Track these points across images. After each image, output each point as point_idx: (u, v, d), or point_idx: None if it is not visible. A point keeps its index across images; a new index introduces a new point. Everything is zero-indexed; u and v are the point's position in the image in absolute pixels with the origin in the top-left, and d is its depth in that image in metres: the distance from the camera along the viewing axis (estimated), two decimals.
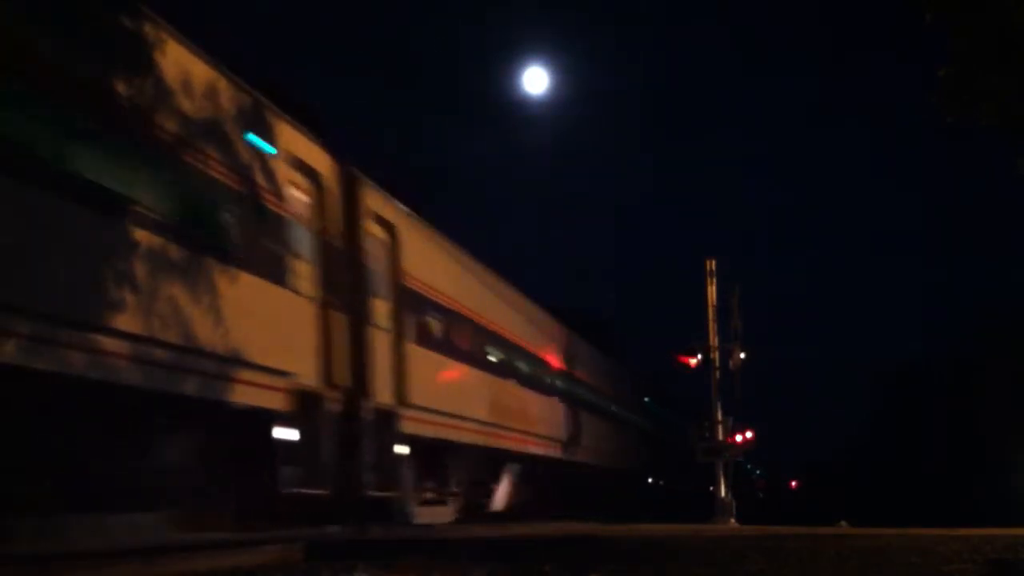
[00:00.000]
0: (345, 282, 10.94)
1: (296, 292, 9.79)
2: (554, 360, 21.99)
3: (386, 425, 11.61)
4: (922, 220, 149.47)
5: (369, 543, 7.30)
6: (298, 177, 10.24)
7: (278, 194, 9.60)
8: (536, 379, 19.96)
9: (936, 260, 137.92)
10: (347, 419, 10.60)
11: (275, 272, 9.33)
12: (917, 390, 42.12)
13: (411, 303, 12.81)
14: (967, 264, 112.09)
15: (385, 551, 6.17)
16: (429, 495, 13.86)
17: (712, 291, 21.66)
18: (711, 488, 21.14)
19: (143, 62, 7.63)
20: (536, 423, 19.53)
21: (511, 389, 17.82)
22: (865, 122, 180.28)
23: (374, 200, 11.97)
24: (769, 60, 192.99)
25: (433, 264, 14.03)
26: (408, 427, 12.22)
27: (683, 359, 21.66)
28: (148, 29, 7.70)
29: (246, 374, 8.68)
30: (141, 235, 7.34)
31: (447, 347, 14.16)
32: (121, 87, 7.37)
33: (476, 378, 15.65)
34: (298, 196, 10.20)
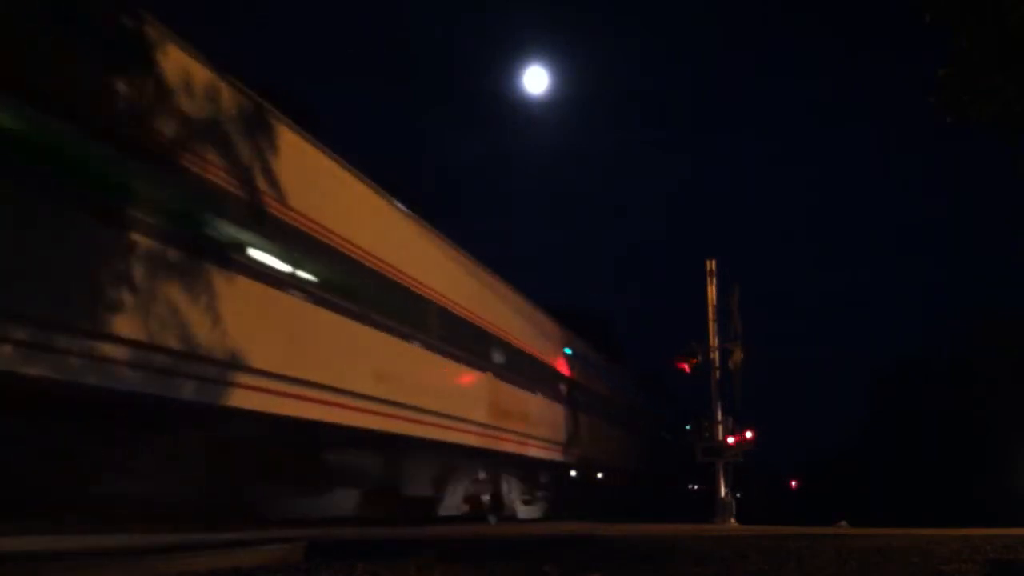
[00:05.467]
0: (571, 393, 24.36)
1: (560, 403, 23.26)
2: (638, 407, 35.05)
3: (587, 461, 25.99)
4: (922, 220, 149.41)
5: (370, 543, 7.29)
6: (562, 351, 24.43)
7: (558, 362, 23.78)
8: (633, 424, 33.32)
9: (936, 260, 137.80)
10: (570, 459, 23.95)
11: (557, 397, 23.16)
12: (917, 389, 42.08)
13: (583, 393, 25.85)
14: (967, 264, 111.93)
15: (385, 551, 6.17)
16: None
17: (712, 291, 21.63)
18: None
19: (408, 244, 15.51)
20: (635, 452, 33.73)
21: (622, 434, 31.53)
22: (865, 122, 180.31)
23: (579, 347, 26.21)
24: (769, 61, 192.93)
25: (589, 370, 27.41)
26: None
27: (680, 364, 21.55)
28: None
29: (554, 447, 22.14)
30: (512, 391, 19.26)
31: (597, 412, 27.43)
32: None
33: (609, 430, 29.12)
34: (561, 359, 24.11)
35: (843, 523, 19.61)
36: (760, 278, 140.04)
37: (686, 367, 21.42)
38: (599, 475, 28.19)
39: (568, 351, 24.89)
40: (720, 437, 20.88)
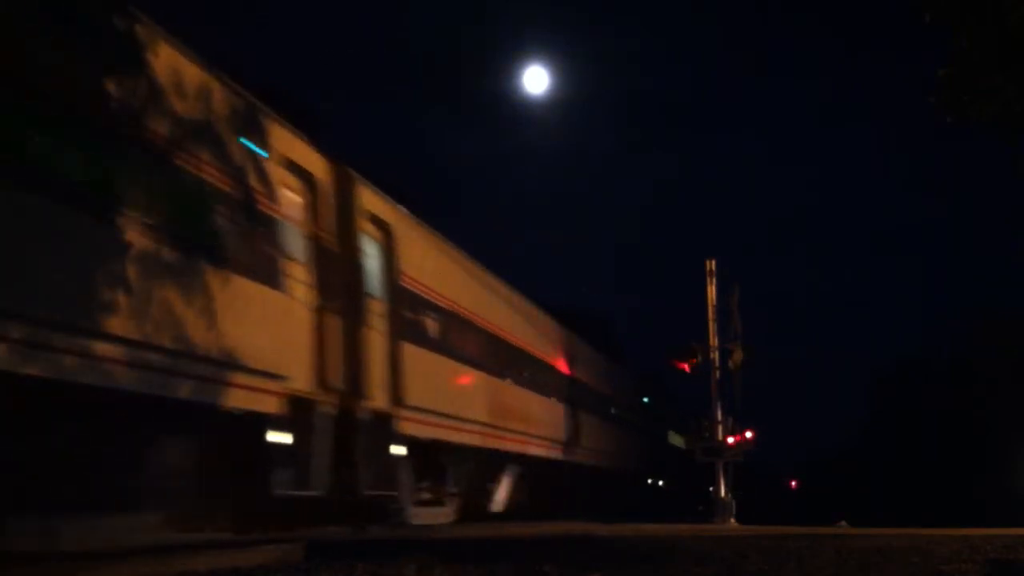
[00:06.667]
0: (340, 284, 10.76)
1: (290, 295, 9.67)
2: (555, 360, 21.98)
3: (382, 427, 11.58)
4: (922, 220, 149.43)
5: (369, 543, 7.29)
6: (291, 179, 10.15)
7: (271, 197, 9.49)
8: (536, 380, 19.87)
9: (936, 260, 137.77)
10: (342, 421, 10.56)
11: (269, 275, 9.23)
12: (917, 389, 42.12)
13: (408, 303, 12.67)
14: (967, 264, 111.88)
15: (385, 551, 6.17)
16: (426, 496, 13.79)
17: (712, 291, 21.62)
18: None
19: (133, 65, 7.58)
20: (535, 424, 19.36)
21: (511, 390, 17.64)
22: (865, 122, 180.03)
23: (370, 200, 11.75)
24: (769, 61, 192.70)
25: (431, 265, 13.84)
26: (405, 428, 12.19)
27: (679, 364, 21.48)
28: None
29: (240, 378, 8.57)
30: (132, 236, 7.21)
31: (445, 347, 13.95)
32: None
33: (476, 379, 15.46)
34: (291, 198, 10.09)
35: (843, 523, 19.64)
36: (760, 278, 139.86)
37: (684, 367, 21.43)
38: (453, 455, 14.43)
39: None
40: (720, 437, 20.88)
